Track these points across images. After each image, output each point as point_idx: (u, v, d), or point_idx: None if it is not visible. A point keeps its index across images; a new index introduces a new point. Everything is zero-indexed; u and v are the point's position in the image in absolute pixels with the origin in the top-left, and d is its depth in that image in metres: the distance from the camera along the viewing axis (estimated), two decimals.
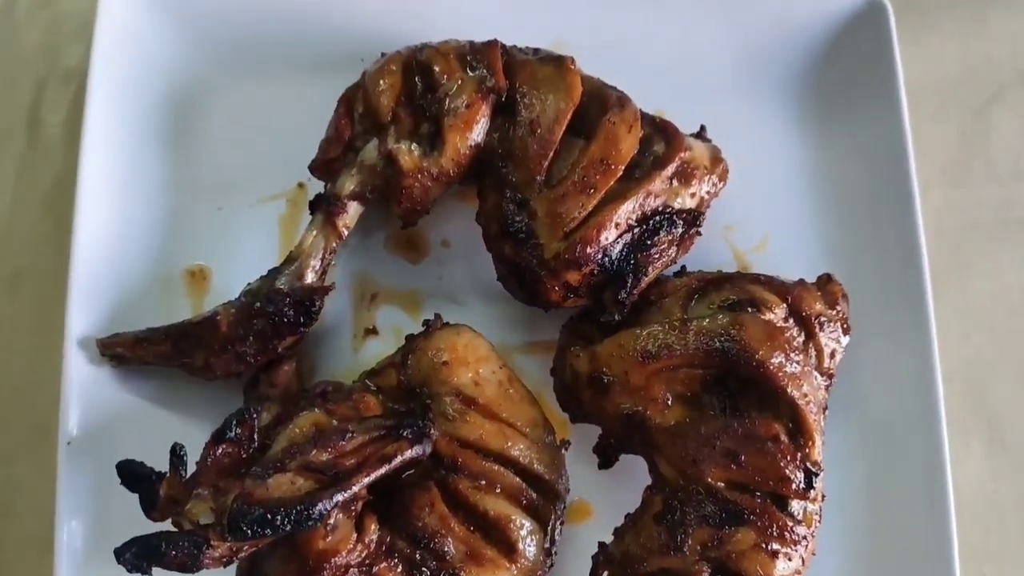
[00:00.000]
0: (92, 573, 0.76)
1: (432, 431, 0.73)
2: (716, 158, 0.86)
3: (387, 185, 0.81)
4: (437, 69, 0.81)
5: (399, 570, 0.72)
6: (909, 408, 0.88)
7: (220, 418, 0.80)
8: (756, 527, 0.73)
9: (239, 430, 0.67)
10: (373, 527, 0.72)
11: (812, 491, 0.75)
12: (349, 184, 0.81)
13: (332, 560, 0.69)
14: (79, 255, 0.82)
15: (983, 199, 1.04)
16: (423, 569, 0.72)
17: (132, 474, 0.65)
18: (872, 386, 0.90)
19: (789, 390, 0.76)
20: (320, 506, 0.64)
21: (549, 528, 0.77)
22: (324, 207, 0.81)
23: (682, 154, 0.82)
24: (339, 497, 0.66)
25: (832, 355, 0.82)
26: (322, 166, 0.83)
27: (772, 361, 0.76)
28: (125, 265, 0.85)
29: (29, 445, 0.88)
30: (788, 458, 0.74)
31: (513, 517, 0.75)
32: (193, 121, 0.90)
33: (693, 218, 0.82)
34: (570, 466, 0.81)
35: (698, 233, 0.84)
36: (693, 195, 0.83)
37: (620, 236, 0.79)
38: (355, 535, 0.71)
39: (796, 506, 0.75)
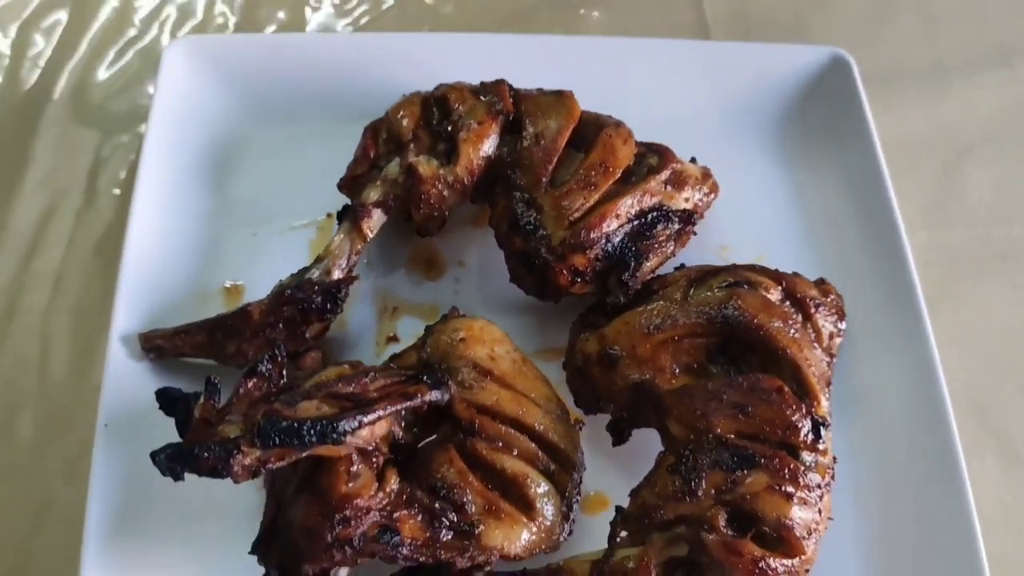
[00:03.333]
0: (121, 547, 0.78)
1: (450, 383, 0.77)
2: (706, 174, 0.95)
3: (408, 193, 0.89)
4: (452, 98, 0.92)
5: (419, 519, 0.73)
6: (918, 420, 0.90)
7: None
8: (768, 469, 0.74)
9: (270, 366, 0.71)
10: (394, 479, 0.74)
11: (821, 442, 0.77)
12: (373, 194, 0.90)
13: (354, 502, 0.71)
14: (127, 272, 0.89)
15: (964, 237, 1.11)
16: (443, 519, 0.73)
17: (169, 398, 0.69)
18: (877, 401, 0.92)
19: (789, 351, 0.80)
20: (344, 424, 0.68)
21: (567, 494, 0.79)
22: (350, 213, 0.89)
23: (674, 165, 0.91)
24: (362, 419, 0.69)
25: (831, 337, 0.87)
26: (349, 183, 0.92)
27: (772, 324, 0.81)
28: (168, 281, 0.92)
29: (64, 478, 0.91)
30: (794, 407, 0.77)
31: (530, 475, 0.77)
32: (233, 162, 1.01)
33: (687, 216, 0.90)
34: (586, 460, 0.83)
35: (693, 232, 0.91)
36: (687, 200, 0.91)
37: (620, 227, 0.86)
38: (376, 484, 0.73)
39: (807, 456, 0.76)
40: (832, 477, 0.78)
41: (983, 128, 1.20)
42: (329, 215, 0.99)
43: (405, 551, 0.71)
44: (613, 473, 0.86)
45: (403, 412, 0.77)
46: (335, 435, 0.67)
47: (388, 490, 0.73)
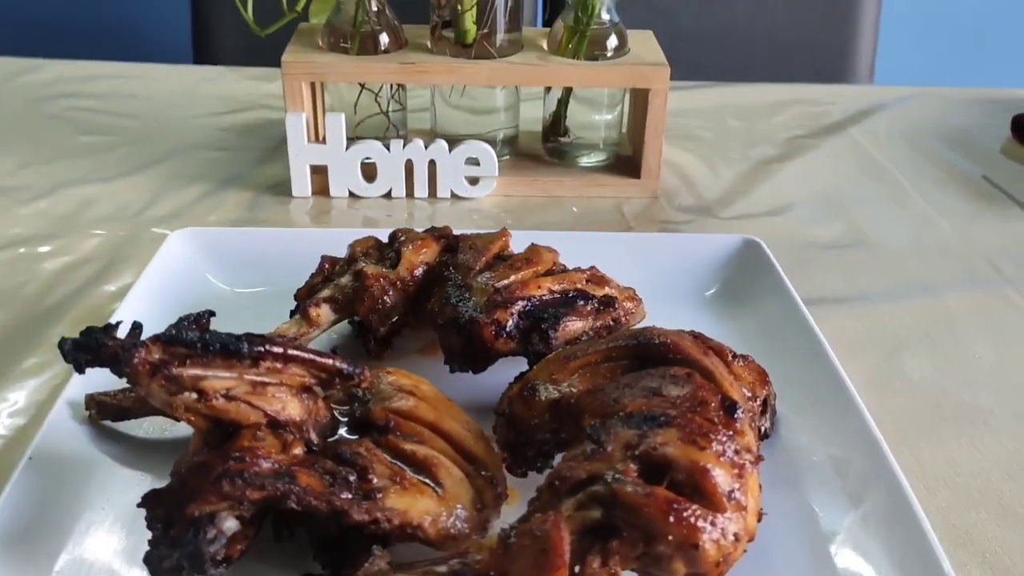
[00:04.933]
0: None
1: (366, 371, 0.79)
2: (630, 289, 1.03)
3: (355, 294, 0.99)
4: (399, 233, 1.07)
5: (318, 478, 0.70)
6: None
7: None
8: (679, 426, 0.72)
9: (194, 327, 0.75)
10: (299, 448, 0.73)
11: (735, 422, 0.75)
12: (325, 292, 0.99)
13: (254, 450, 0.70)
14: None
15: (915, 403, 1.12)
16: (344, 481, 0.70)
17: (88, 333, 0.72)
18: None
19: (704, 362, 0.82)
20: (248, 343, 0.70)
21: (484, 498, 0.75)
22: (301, 305, 0.98)
23: (596, 272, 1.01)
24: (270, 347, 0.71)
25: (752, 387, 0.88)
26: (305, 292, 1.02)
27: (684, 343, 0.84)
28: None
29: None
30: (701, 386, 0.77)
31: (442, 461, 0.75)
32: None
33: (609, 300, 0.97)
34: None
35: (615, 319, 0.97)
36: (607, 295, 0.99)
37: (542, 296, 0.94)
38: (281, 449, 0.72)
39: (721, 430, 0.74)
40: (753, 461, 0.74)
41: (912, 332, 1.27)
42: None
43: (298, 490, 0.68)
44: None
45: (318, 417, 0.78)
46: (240, 347, 0.70)
47: (291, 454, 0.72)
